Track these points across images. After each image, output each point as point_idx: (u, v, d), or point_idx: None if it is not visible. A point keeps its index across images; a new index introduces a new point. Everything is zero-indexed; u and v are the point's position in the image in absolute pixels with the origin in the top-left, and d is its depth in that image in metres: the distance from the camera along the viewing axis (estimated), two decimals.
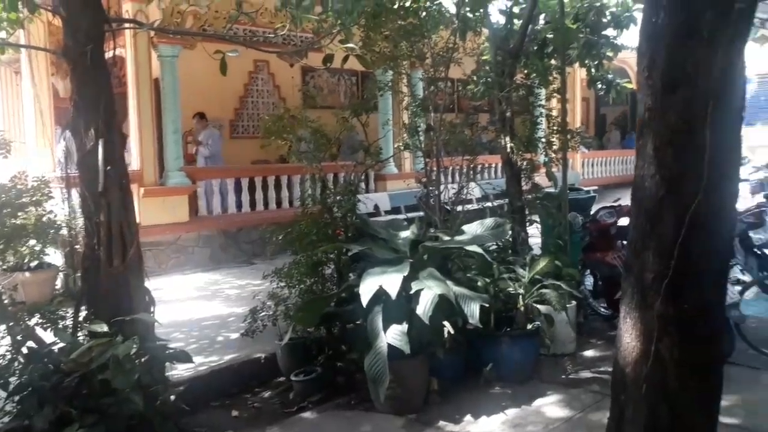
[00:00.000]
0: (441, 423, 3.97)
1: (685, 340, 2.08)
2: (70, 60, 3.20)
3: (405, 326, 3.78)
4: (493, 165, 11.57)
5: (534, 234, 6.37)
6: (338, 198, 4.47)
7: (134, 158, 8.25)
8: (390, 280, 3.70)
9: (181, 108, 8.68)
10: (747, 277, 5.56)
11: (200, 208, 8.88)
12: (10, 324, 3.33)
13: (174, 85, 8.43)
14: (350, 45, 4.46)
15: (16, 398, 2.96)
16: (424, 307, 3.75)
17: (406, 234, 4.22)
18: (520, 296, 4.57)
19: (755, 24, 14.55)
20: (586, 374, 4.64)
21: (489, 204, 6.34)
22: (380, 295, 3.88)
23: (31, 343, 3.22)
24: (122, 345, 2.94)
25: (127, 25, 6.18)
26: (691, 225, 2.01)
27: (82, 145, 3.27)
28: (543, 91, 7.24)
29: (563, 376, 4.66)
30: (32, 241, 5.81)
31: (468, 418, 4.03)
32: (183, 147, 9.12)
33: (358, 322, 4.19)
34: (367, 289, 3.70)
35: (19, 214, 3.34)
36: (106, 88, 3.27)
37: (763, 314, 5.26)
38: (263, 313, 4.66)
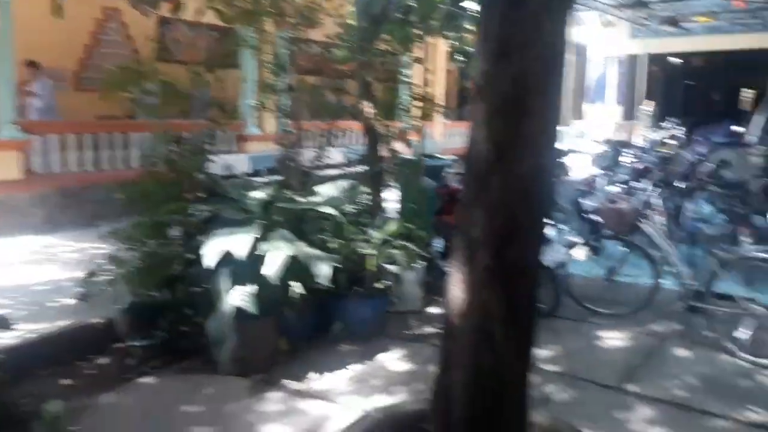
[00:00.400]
0: (285, 382, 4.00)
1: (507, 291, 2.21)
2: None
3: (253, 288, 3.72)
4: (356, 130, 11.65)
5: (393, 199, 6.50)
6: (186, 156, 4.24)
7: None
8: (238, 242, 3.61)
9: (15, 55, 7.78)
10: (578, 240, 6.08)
11: (35, 164, 8.08)
12: None
13: (6, 28, 7.52)
14: None
15: None
16: (273, 269, 3.70)
17: (258, 195, 4.12)
18: (371, 257, 4.66)
19: (600, 8, 15.75)
20: (429, 330, 4.88)
21: (350, 169, 6.38)
22: (228, 257, 3.77)
23: None
24: None
25: None
26: (516, 187, 2.13)
27: None
28: (407, 60, 7.33)
29: (408, 332, 4.87)
30: None
31: (313, 375, 4.10)
32: (17, 98, 8.21)
33: (205, 286, 4.05)
34: (212, 251, 3.58)
35: None
36: None
37: (589, 273, 5.79)
38: (101, 277, 4.36)
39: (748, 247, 4.62)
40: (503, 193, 2.12)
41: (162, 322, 4.37)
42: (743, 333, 4.22)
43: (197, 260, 3.99)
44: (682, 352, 4.42)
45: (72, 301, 4.78)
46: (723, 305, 4.45)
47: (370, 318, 4.77)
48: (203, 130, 4.64)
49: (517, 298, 2.26)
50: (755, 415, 3.46)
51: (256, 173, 9.44)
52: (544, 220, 2.35)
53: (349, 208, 5.33)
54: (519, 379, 2.35)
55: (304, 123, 5.85)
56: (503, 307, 2.19)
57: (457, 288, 2.28)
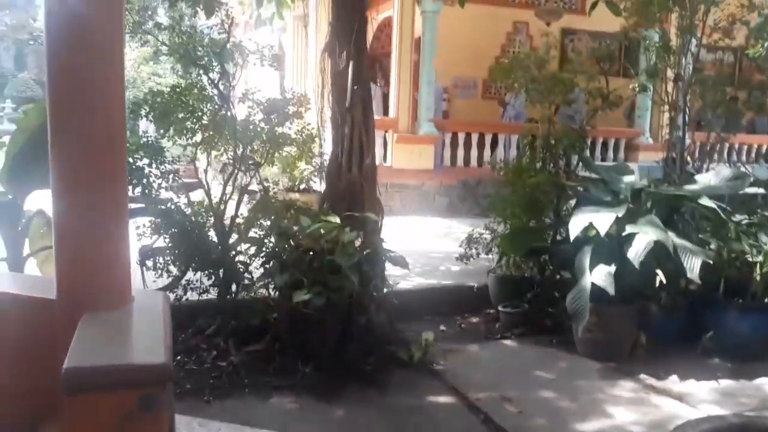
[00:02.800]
0: (642, 376, 3.88)
1: None
2: None
3: (612, 267, 3.74)
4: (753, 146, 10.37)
5: None
6: (562, 137, 4.47)
7: (392, 107, 9.08)
8: (602, 218, 3.68)
9: (440, 64, 9.23)
10: None
11: (444, 158, 9.41)
12: (273, 216, 4.08)
13: (432, 41, 8.99)
14: None
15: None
16: (636, 251, 3.65)
17: (629, 179, 4.09)
18: (758, 264, 4.13)
19: None
20: None
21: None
22: (594, 237, 3.87)
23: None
24: (348, 233, 3.47)
25: None
26: None
27: (336, 65, 3.84)
28: None
29: None
30: (303, 165, 6.92)
31: (674, 378, 3.88)
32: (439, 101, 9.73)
33: (568, 262, 4.21)
34: (576, 224, 3.73)
35: (286, 123, 4.03)
36: (360, 15, 3.76)
37: None
38: (477, 246, 4.94)
39: None
40: None
41: (529, 296, 4.71)
42: None
43: (565, 239, 4.20)
44: None
45: (458, 268, 5.52)
46: None
47: (752, 336, 4.20)
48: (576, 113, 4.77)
49: None
50: None
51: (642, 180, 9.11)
52: None
53: (744, 218, 4.80)
54: None
55: (687, 113, 5.46)
56: None
57: None
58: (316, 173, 5.88)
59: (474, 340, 4.46)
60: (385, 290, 3.86)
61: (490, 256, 5.00)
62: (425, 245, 6.92)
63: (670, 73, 5.76)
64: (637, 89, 5.89)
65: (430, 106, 9.12)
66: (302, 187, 7.38)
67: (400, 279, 4.89)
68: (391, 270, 4.16)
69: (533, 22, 10.59)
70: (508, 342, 4.44)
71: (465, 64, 10.92)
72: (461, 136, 9.53)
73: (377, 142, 8.92)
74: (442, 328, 4.66)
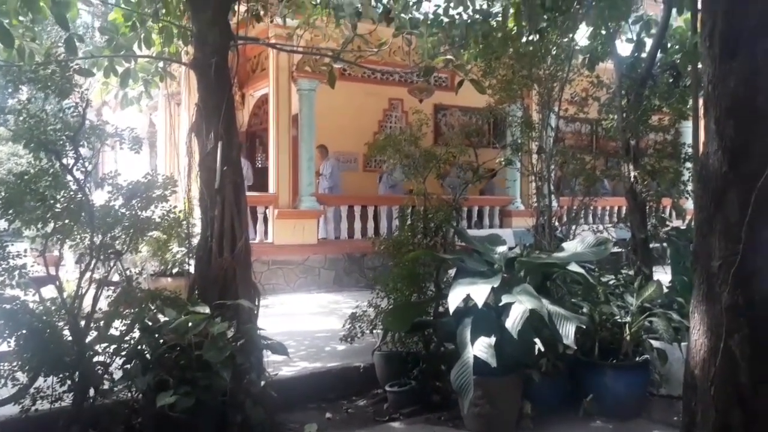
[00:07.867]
0: None
1: (757, 334, 1.90)
2: (197, 70, 3.65)
3: (492, 339, 3.73)
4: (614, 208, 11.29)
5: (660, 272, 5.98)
6: (437, 212, 4.55)
7: (271, 183, 8.95)
8: (478, 290, 3.69)
9: (320, 140, 9.29)
10: None
11: (328, 232, 9.35)
12: (136, 309, 3.74)
13: (310, 118, 9.07)
14: (458, 64, 4.59)
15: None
16: (513, 321, 3.68)
17: (502, 249, 4.20)
18: (626, 325, 4.32)
19: None
20: None
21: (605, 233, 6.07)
22: (471, 308, 3.88)
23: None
24: (218, 324, 3.23)
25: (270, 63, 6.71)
26: (758, 202, 1.86)
27: (204, 146, 3.69)
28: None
29: (677, 419, 4.28)
30: (175, 248, 6.54)
31: None
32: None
33: (450, 334, 4.18)
34: (454, 298, 3.72)
35: (152, 207, 3.77)
36: (227, 97, 3.67)
37: None
38: (362, 324, 4.82)
39: None
40: (742, 209, 1.86)
41: (415, 372, 4.61)
42: None
43: (446, 311, 4.18)
44: None
45: (344, 347, 5.34)
46: None
47: (627, 395, 4.35)
48: (453, 183, 4.91)
49: None
50: None
51: (516, 246, 9.50)
52: None
53: (611, 279, 5.07)
54: None
55: (552, 181, 5.81)
56: (752, 353, 1.87)
57: (696, 332, 2.03)
58: (191, 255, 5.57)
59: (361, 425, 4.26)
60: (263, 382, 3.60)
61: (376, 331, 4.88)
62: (310, 324, 6.70)
63: (533, 146, 6.11)
64: (503, 163, 6.18)
65: (311, 181, 9.10)
66: (175, 271, 6.97)
67: (282, 365, 4.67)
68: (272, 357, 3.94)
69: (407, 98, 11.02)
70: (396, 424, 4.28)
71: (345, 139, 11.09)
72: (344, 209, 9.54)
73: (257, 219, 8.79)
74: (328, 415, 4.43)
